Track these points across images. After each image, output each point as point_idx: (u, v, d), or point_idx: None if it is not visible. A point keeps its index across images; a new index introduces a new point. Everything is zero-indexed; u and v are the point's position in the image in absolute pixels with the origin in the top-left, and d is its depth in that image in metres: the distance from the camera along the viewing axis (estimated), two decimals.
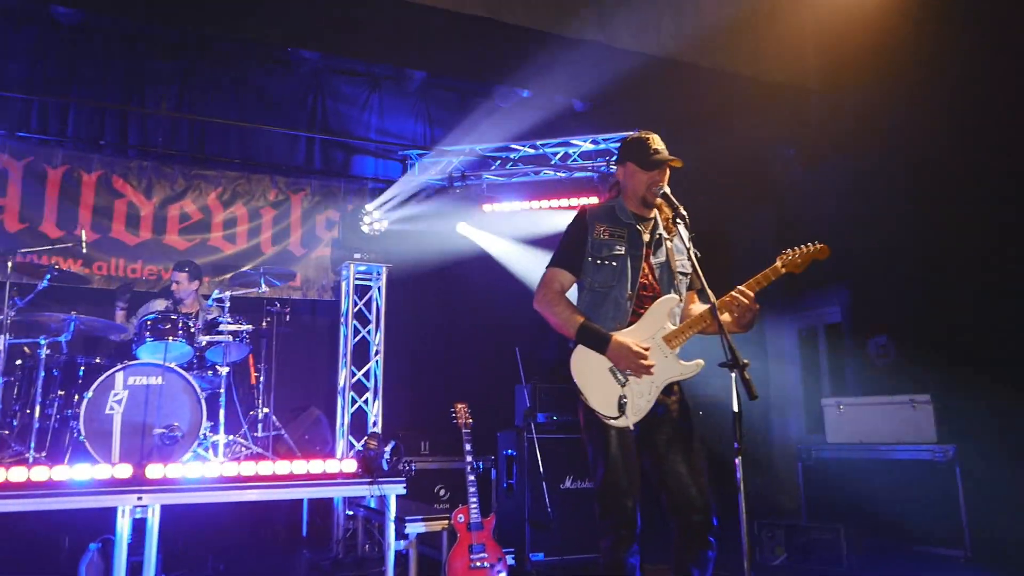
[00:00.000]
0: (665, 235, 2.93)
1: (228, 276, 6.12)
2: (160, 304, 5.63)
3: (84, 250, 5.26)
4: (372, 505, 5.08)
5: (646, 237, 2.91)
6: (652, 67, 5.53)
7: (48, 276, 5.03)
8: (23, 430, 4.95)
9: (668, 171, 2.91)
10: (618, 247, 2.87)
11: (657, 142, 2.94)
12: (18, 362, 5.15)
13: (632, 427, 2.74)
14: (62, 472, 4.03)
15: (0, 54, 6.05)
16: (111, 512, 4.05)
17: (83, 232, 5.25)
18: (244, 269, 5.67)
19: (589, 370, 2.79)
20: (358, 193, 7.03)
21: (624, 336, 2.75)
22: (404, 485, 4.72)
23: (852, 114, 6.42)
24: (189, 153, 6.61)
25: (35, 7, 5.88)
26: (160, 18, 5.85)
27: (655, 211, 2.96)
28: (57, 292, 5.37)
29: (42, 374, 4.91)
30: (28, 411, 5.12)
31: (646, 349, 2.72)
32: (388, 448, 4.99)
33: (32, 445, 4.72)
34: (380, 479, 4.70)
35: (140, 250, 6.26)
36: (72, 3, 5.45)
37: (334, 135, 7.08)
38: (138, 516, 4.14)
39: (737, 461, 2.47)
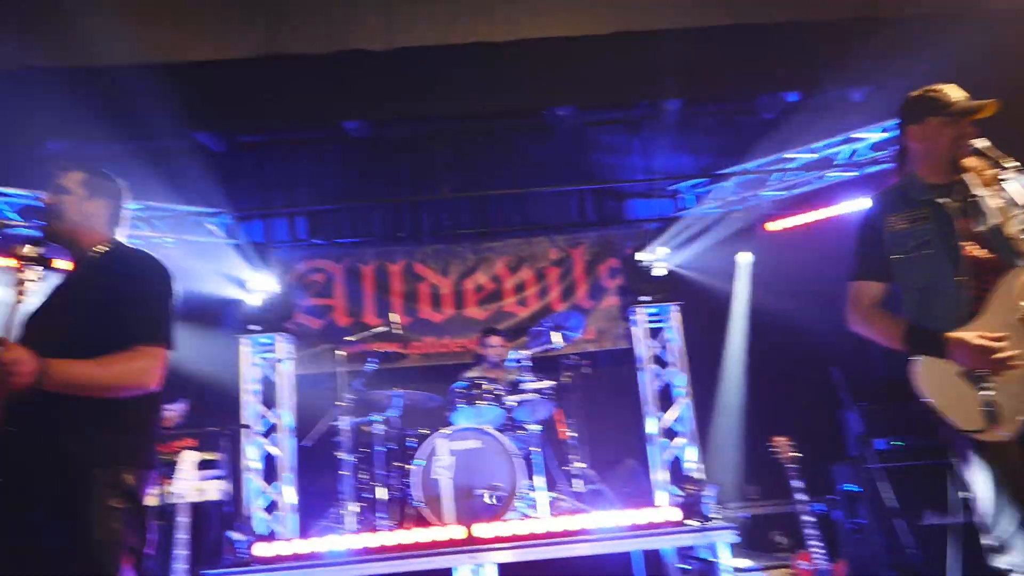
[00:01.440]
0: (983, 193, 2.37)
1: (525, 339, 6.35)
2: (474, 372, 5.97)
3: (398, 331, 5.77)
4: (705, 556, 4.77)
5: (956, 206, 2.39)
6: (926, 27, 4.80)
7: (375, 359, 5.59)
8: (373, 502, 5.46)
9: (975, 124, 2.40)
10: (923, 233, 2.40)
11: (953, 91, 2.45)
12: (361, 441, 5.73)
13: (1011, 435, 2.20)
14: (404, 536, 4.34)
15: (316, 176, 7.05)
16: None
17: (393, 316, 5.78)
18: (535, 328, 5.80)
19: (938, 381, 2.30)
20: (636, 237, 6.96)
21: (964, 330, 2.26)
22: (736, 532, 4.38)
23: None
24: (475, 229, 7.07)
25: (331, 130, 6.76)
26: (423, 114, 6.39)
27: (960, 173, 2.43)
28: (383, 374, 5.93)
29: (381, 449, 5.42)
30: (373, 484, 5.65)
31: (1000, 338, 2.19)
32: (709, 493, 4.67)
33: (382, 515, 5.17)
34: (707, 526, 4.42)
35: (446, 326, 6.75)
36: (357, 116, 6.18)
37: (603, 184, 7.14)
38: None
39: None
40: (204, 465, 5.13)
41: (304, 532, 6.00)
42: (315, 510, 6.35)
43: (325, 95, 5.59)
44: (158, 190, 6.57)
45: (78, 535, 2.21)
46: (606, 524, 4.51)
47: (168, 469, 4.54)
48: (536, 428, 5.30)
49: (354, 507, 5.25)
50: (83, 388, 2.25)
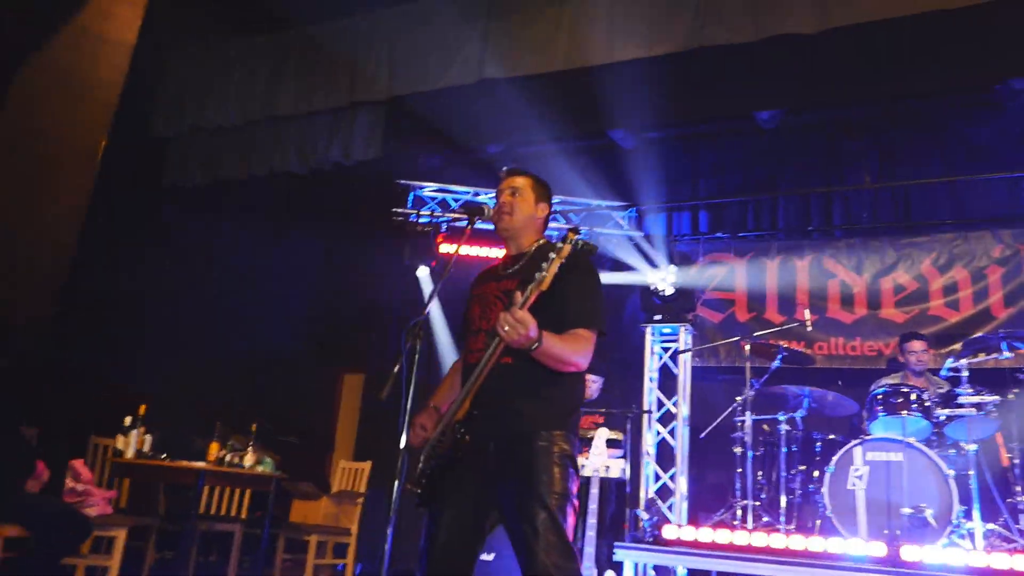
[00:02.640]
0: None
1: (959, 344, 5.58)
2: (894, 378, 5.45)
3: (809, 328, 5.48)
4: None
5: None
6: None
7: (780, 356, 5.39)
8: (771, 502, 5.28)
9: None
10: None
11: None
12: (760, 438, 5.57)
13: None
14: (817, 543, 4.10)
15: (718, 169, 7.03)
16: None
17: (806, 312, 5.49)
18: (979, 335, 5.05)
19: None
20: None
21: None
22: None
23: None
24: (895, 223, 6.41)
25: (742, 121, 6.64)
26: (852, 99, 5.91)
27: None
28: (786, 373, 5.68)
29: (783, 449, 5.20)
30: (771, 484, 5.45)
31: None
32: None
33: (783, 517, 4.96)
34: None
35: (857, 327, 6.23)
36: (773, 105, 5.96)
37: None
38: None
39: None
40: (610, 444, 5.43)
41: (692, 522, 6.03)
42: (704, 502, 6.36)
43: (743, 85, 5.50)
44: (574, 186, 7.15)
45: (531, 487, 2.47)
46: None
47: (584, 443, 4.88)
48: (972, 448, 4.62)
49: (750, 505, 5.12)
50: (554, 359, 2.52)
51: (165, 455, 5.34)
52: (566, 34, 5.40)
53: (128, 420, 5.30)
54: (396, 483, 2.42)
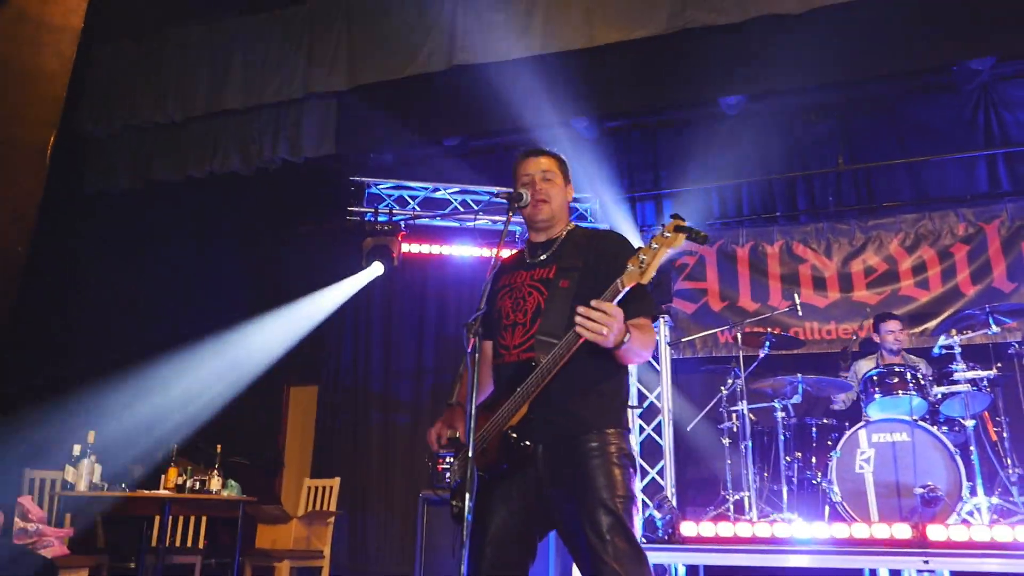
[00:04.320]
0: None
1: (932, 323, 5.67)
2: (869, 361, 5.46)
3: (800, 313, 5.44)
4: None
5: None
6: None
7: (768, 343, 5.31)
8: (770, 492, 5.20)
9: None
10: None
11: None
12: (747, 429, 5.48)
13: None
14: (842, 530, 4.02)
15: (680, 157, 6.90)
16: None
17: (796, 297, 5.45)
18: (968, 311, 5.11)
19: None
20: None
21: None
22: None
23: None
24: (860, 206, 6.45)
25: (705, 107, 6.55)
26: (818, 82, 5.89)
27: None
28: (769, 360, 5.62)
29: (781, 437, 5.12)
30: (766, 473, 5.38)
31: None
32: None
33: (784, 506, 4.88)
34: None
35: (831, 310, 6.23)
36: (734, 91, 5.86)
37: (1019, 147, 6.12)
38: None
39: None
40: None
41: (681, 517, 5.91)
42: (689, 496, 6.27)
43: (712, 71, 5.38)
44: None
45: (592, 491, 2.28)
46: None
47: None
48: (970, 424, 4.65)
49: (746, 496, 5.01)
50: (635, 354, 2.33)
51: (124, 485, 4.83)
52: (540, 17, 5.17)
53: (77, 449, 4.76)
54: (467, 496, 2.14)
